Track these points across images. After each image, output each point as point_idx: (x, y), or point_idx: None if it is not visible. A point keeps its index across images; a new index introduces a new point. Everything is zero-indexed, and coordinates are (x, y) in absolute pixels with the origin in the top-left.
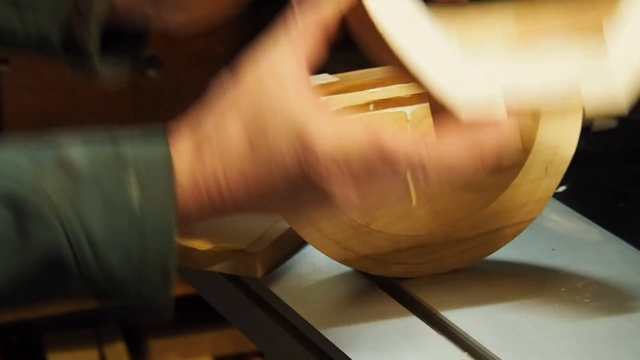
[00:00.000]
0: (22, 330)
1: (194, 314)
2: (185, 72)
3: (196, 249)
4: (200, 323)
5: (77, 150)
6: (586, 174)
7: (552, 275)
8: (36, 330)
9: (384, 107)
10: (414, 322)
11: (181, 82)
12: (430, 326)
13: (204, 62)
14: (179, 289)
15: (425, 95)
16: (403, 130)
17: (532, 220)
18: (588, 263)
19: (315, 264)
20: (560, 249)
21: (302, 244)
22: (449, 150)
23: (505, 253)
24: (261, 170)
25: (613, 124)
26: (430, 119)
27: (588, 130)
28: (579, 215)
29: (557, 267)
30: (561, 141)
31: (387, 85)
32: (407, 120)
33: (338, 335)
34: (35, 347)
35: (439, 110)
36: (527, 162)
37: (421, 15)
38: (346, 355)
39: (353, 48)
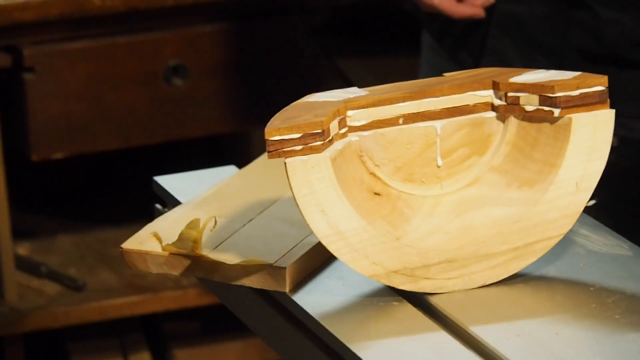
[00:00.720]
0: (47, 339)
1: (218, 324)
2: (210, 80)
3: (225, 263)
4: (225, 333)
5: None
6: (616, 189)
7: (582, 290)
8: (61, 339)
9: (414, 121)
10: (444, 338)
11: (206, 90)
12: (460, 342)
13: (229, 70)
14: (204, 299)
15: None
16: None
17: (562, 235)
18: (619, 279)
19: (345, 278)
20: (590, 264)
21: (331, 258)
22: None
23: (535, 268)
24: None
25: (614, 141)
26: (462, 132)
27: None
28: (608, 229)
29: (588, 282)
30: (592, 156)
31: (416, 99)
32: (437, 134)
33: (367, 351)
34: (60, 356)
35: None
36: (558, 177)
37: None
38: None
39: (381, 58)
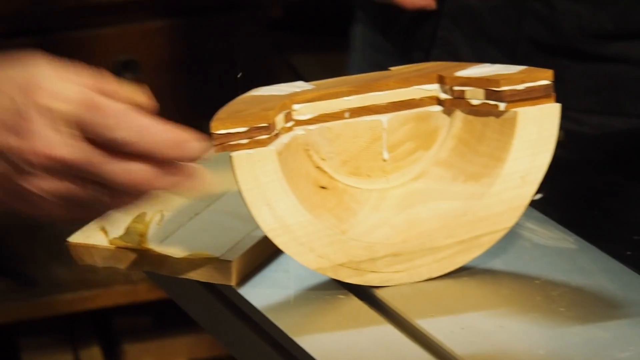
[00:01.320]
0: None
1: (169, 318)
2: (161, 75)
3: (171, 257)
4: (176, 327)
5: None
6: (562, 182)
7: (527, 283)
8: (12, 334)
9: (360, 115)
10: (389, 331)
11: (157, 85)
12: (406, 335)
13: (180, 65)
14: (155, 294)
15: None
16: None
17: (508, 228)
18: (564, 272)
19: (291, 272)
20: (536, 258)
21: (277, 251)
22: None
23: (481, 261)
24: None
25: (561, 135)
26: (408, 126)
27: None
28: (554, 223)
29: (533, 275)
30: (537, 150)
31: (362, 93)
32: (383, 128)
33: (313, 344)
34: (10, 351)
35: None
36: (504, 171)
37: None
38: None
39: (333, 53)
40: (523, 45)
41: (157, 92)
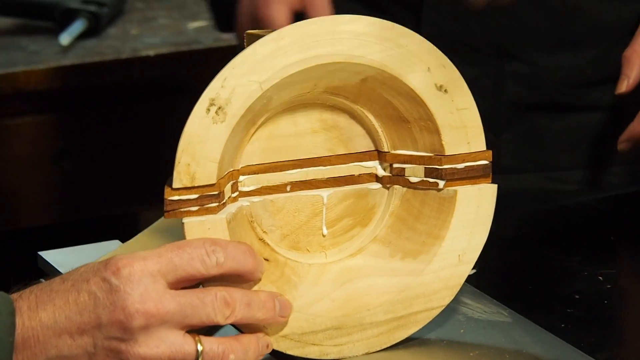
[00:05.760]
0: None
1: None
2: (98, 162)
3: None
4: None
5: None
6: (496, 258)
7: (462, 356)
8: None
9: (300, 189)
10: None
11: (95, 172)
12: None
13: (117, 151)
14: None
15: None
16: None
17: (444, 306)
18: (498, 344)
19: None
20: (470, 330)
21: None
22: None
23: (416, 334)
24: None
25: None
26: (347, 202)
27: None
28: (489, 297)
29: (468, 348)
30: (475, 229)
31: (305, 167)
32: (323, 204)
33: None
34: None
35: None
36: (441, 249)
37: None
38: None
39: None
40: (502, 110)
41: (94, 179)
